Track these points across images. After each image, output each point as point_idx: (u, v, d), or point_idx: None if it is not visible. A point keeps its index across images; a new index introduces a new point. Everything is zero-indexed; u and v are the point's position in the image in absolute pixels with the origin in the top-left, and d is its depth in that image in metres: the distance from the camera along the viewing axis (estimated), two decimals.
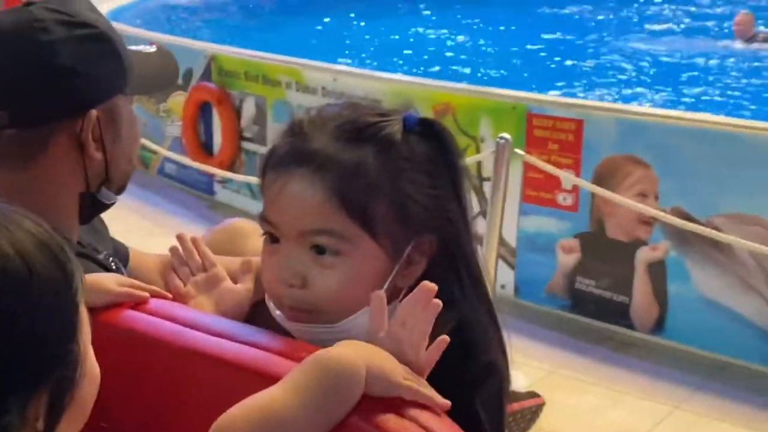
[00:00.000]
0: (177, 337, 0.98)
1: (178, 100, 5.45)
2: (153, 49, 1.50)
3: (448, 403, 0.89)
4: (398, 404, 0.84)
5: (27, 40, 1.23)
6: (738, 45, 10.85)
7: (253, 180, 4.93)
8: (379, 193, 1.04)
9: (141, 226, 4.79)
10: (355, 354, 0.85)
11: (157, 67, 1.47)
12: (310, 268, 1.03)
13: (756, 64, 10.02)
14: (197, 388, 0.94)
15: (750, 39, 10.84)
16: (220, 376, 0.93)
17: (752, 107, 7.87)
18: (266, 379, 0.86)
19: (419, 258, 1.08)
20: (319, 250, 1.03)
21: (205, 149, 5.51)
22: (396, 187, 1.05)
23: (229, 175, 5.25)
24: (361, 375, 0.83)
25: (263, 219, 1.08)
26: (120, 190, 1.38)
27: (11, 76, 1.22)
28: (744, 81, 9.42)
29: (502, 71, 9.34)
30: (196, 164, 5.37)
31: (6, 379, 0.70)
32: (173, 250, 1.25)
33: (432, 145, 1.10)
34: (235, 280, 1.22)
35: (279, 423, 0.81)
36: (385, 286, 1.03)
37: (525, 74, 8.66)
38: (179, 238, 1.25)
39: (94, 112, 1.25)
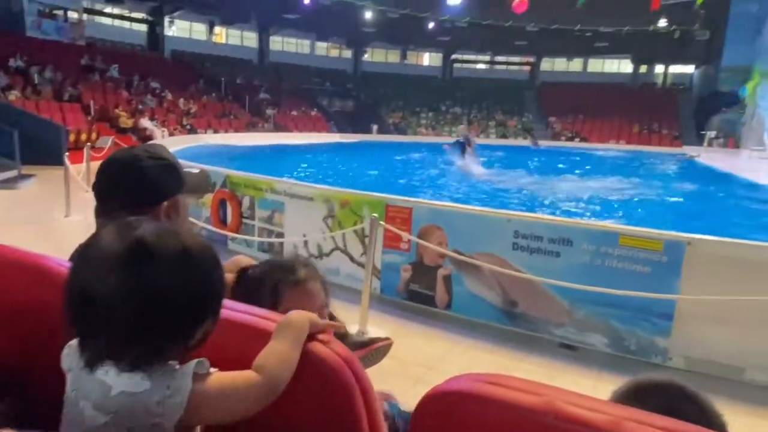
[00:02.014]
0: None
1: (208, 197, 5.31)
2: (197, 170, 1.40)
3: (344, 325, 0.88)
4: (320, 336, 0.79)
5: (133, 166, 1.17)
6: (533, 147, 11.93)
7: (249, 238, 4.87)
8: None
9: None
10: (303, 315, 0.80)
11: (199, 180, 1.37)
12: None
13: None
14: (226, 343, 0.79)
15: (537, 145, 12.87)
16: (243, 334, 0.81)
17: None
18: (265, 334, 0.78)
19: None
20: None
21: (223, 222, 5.36)
22: None
23: (235, 235, 5.12)
24: (307, 325, 0.79)
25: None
26: None
27: (125, 183, 1.16)
28: None
29: (375, 185, 9.52)
30: (218, 230, 5.21)
31: (199, 314, 0.72)
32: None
33: None
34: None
35: (284, 354, 0.75)
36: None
37: (385, 187, 8.82)
38: (240, 269, 1.19)
39: (165, 203, 1.18)
